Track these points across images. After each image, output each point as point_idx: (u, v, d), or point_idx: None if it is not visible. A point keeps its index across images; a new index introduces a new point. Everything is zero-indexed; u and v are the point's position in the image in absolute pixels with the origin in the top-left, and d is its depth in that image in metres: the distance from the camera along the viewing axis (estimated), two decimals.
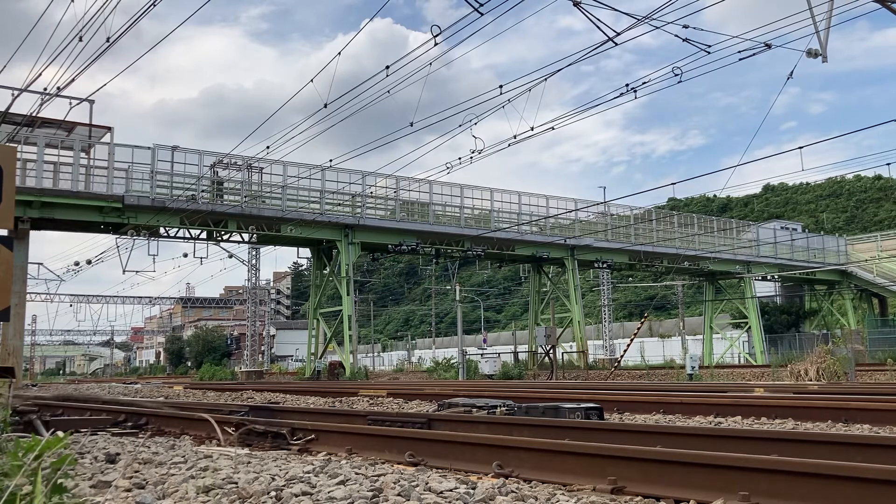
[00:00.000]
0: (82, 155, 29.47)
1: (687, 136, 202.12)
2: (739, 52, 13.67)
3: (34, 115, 20.99)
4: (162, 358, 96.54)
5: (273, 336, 79.84)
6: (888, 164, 24.18)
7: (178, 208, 30.00)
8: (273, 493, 3.93)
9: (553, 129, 16.97)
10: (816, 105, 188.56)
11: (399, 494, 3.90)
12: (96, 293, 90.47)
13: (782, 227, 53.73)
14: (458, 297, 43.87)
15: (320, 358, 37.01)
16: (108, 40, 12.67)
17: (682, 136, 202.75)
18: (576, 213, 39.53)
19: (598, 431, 5.95)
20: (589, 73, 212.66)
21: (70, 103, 21.31)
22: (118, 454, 5.74)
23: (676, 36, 13.52)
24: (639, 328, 35.62)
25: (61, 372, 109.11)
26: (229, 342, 79.56)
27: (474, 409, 9.30)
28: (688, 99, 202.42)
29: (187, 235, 33.09)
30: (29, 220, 27.68)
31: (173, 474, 4.64)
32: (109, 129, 30.12)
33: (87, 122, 28.92)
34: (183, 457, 5.57)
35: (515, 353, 41.07)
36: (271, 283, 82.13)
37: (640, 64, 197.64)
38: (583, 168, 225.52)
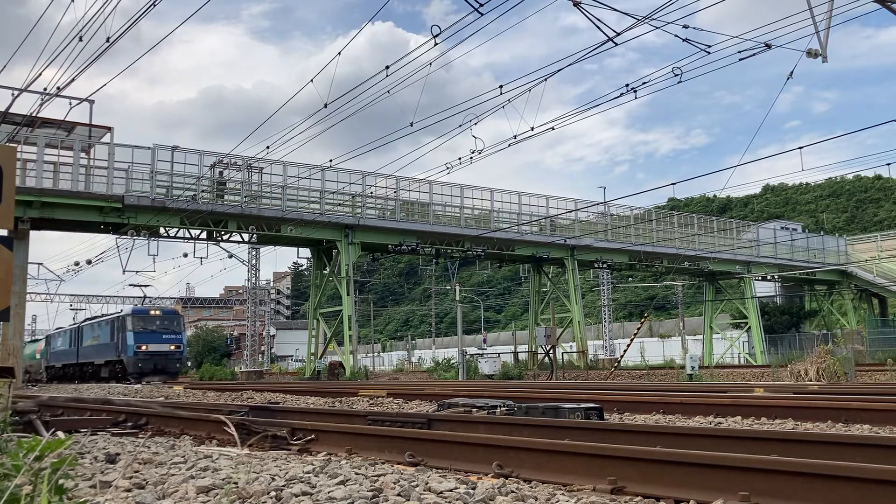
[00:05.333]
0: (82, 155, 29.46)
1: (690, 134, 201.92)
2: (740, 52, 13.69)
3: (34, 115, 21.00)
4: None
5: (273, 336, 79.83)
6: (888, 164, 24.14)
7: (178, 208, 29.99)
8: (273, 494, 3.93)
9: (553, 128, 16.99)
10: (820, 104, 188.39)
11: (399, 494, 3.90)
12: (96, 293, 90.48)
13: (782, 228, 53.70)
14: (458, 298, 43.87)
15: (320, 358, 37.00)
16: (107, 40, 12.69)
17: (685, 135, 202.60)
18: (576, 213, 39.53)
19: (598, 431, 5.95)
20: (593, 72, 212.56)
21: (70, 103, 21.37)
22: (118, 454, 5.74)
23: (676, 36, 13.53)
24: (639, 328, 35.62)
25: None
26: (229, 342, 79.55)
27: (474, 410, 9.30)
28: (691, 98, 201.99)
29: (187, 235, 33.08)
30: (29, 220, 27.67)
31: (173, 474, 4.64)
32: (109, 129, 30.11)
33: (87, 122, 28.94)
34: (183, 457, 5.56)
35: (515, 354, 41.05)
36: (271, 283, 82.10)
37: (644, 62, 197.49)
38: (585, 167, 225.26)
